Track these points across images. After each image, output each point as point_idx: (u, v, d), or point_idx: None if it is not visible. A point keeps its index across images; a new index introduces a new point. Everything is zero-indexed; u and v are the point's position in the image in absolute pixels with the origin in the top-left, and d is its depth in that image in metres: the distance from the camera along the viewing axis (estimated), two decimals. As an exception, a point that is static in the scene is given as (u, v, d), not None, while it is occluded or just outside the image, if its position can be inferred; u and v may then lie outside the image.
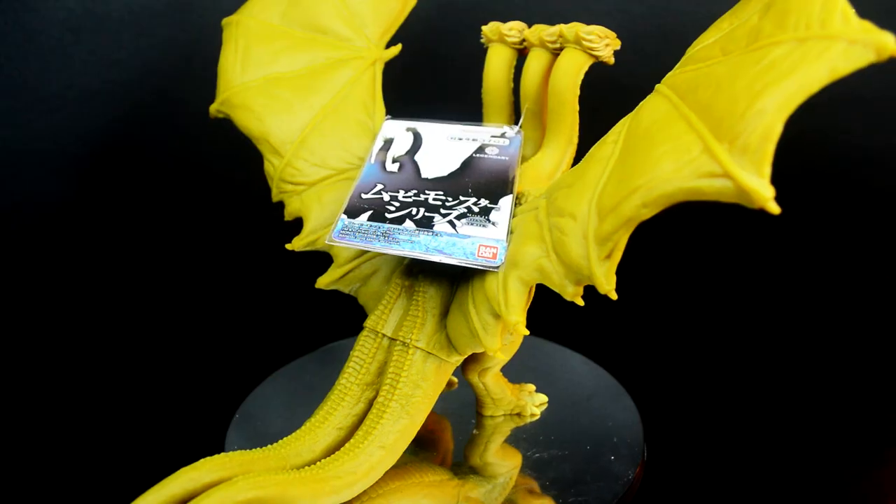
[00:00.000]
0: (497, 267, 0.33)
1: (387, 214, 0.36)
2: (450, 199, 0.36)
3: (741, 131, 0.26)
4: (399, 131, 0.41)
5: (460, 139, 0.39)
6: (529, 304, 0.36)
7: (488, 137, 0.39)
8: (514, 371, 0.44)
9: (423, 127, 0.41)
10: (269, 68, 0.42)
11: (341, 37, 0.43)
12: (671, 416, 0.44)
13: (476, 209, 0.36)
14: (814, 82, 0.24)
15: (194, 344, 0.54)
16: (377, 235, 0.36)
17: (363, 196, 0.38)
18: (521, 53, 0.40)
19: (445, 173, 0.38)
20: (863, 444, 0.42)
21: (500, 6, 0.67)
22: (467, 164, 0.38)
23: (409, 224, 0.36)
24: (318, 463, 0.34)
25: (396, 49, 0.44)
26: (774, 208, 0.26)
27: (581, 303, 0.33)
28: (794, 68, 0.25)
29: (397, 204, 0.37)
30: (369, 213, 0.37)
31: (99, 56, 0.66)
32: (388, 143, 0.40)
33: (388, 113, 0.42)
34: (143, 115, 0.68)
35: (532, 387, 0.43)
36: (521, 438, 0.41)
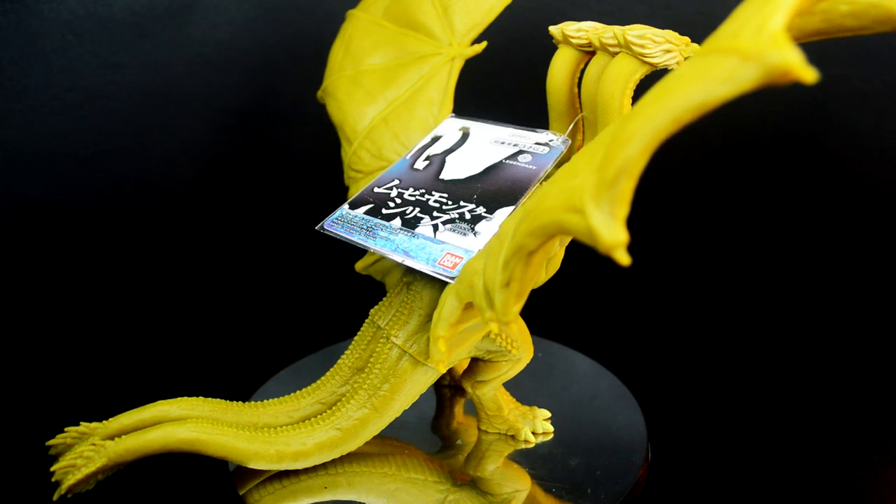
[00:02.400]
0: (453, 278, 0.32)
1: (383, 210, 0.37)
2: (450, 202, 0.36)
3: (609, 161, 0.21)
4: (451, 130, 0.40)
5: (502, 143, 0.38)
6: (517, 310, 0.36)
7: (531, 144, 0.38)
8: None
9: (476, 127, 0.40)
10: (362, 60, 0.44)
11: (430, 32, 0.43)
12: (675, 417, 0.44)
13: (468, 216, 0.35)
14: (685, 109, 0.19)
15: (200, 343, 0.54)
16: (361, 229, 0.36)
17: (375, 189, 0.38)
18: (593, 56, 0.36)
19: (463, 176, 0.37)
20: (865, 444, 0.43)
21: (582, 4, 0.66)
22: (491, 169, 0.37)
23: (395, 222, 0.36)
24: (277, 428, 0.36)
25: (479, 47, 0.43)
26: (621, 258, 0.20)
27: (495, 329, 0.32)
28: (670, 89, 0.20)
29: (399, 201, 0.37)
30: (370, 206, 0.37)
31: (101, 58, 0.66)
32: (433, 140, 0.40)
33: (464, 110, 0.42)
34: (145, 117, 0.68)
35: (544, 414, 0.41)
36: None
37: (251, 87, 0.70)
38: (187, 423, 0.35)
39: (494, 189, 0.36)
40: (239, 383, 0.46)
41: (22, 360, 0.53)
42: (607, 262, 0.47)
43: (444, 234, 0.34)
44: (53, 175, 0.66)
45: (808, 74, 0.17)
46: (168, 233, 0.67)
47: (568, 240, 0.35)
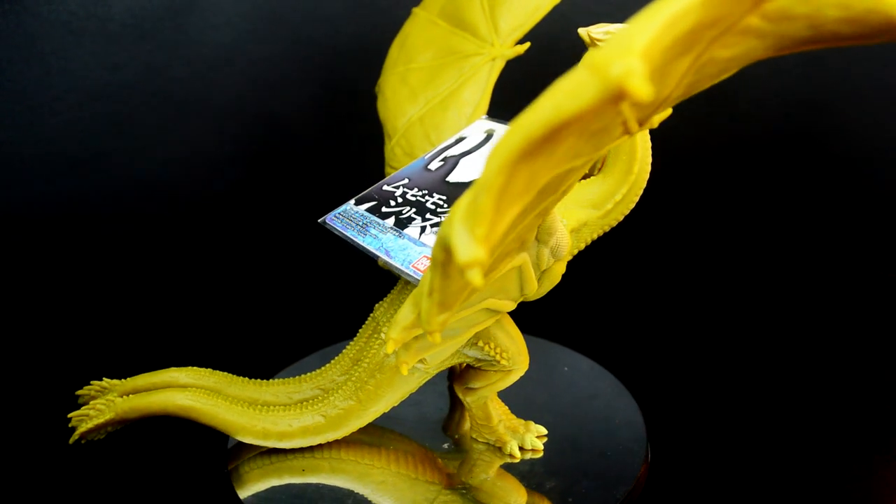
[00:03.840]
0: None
1: (383, 209, 0.37)
2: (446, 206, 0.36)
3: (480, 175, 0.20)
4: (477, 131, 0.40)
5: None
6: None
7: None
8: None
9: (502, 130, 0.39)
10: (413, 58, 0.44)
11: (476, 31, 0.43)
12: (674, 416, 0.45)
13: None
14: (538, 125, 0.18)
15: (202, 344, 0.54)
16: (357, 225, 0.36)
17: (384, 188, 0.38)
18: None
19: (468, 179, 0.37)
20: (865, 444, 0.43)
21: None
22: None
23: (389, 221, 0.36)
24: (269, 407, 0.39)
25: (521, 48, 0.42)
26: (472, 278, 0.19)
27: (432, 339, 0.31)
28: (532, 104, 0.18)
29: (400, 200, 0.37)
30: (373, 203, 0.37)
31: (100, 59, 0.66)
32: (457, 141, 0.40)
33: (503, 112, 0.41)
34: (145, 118, 0.68)
35: (539, 430, 0.41)
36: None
37: (251, 88, 0.70)
38: (187, 391, 0.38)
39: None
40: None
41: (17, 361, 0.53)
42: (608, 262, 0.47)
43: (429, 236, 0.34)
44: (53, 175, 0.66)
45: (642, 90, 0.16)
46: (168, 233, 0.67)
47: (563, 254, 0.34)
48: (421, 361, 0.36)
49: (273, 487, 0.38)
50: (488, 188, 0.18)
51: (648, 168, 0.36)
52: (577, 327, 0.51)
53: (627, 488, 0.37)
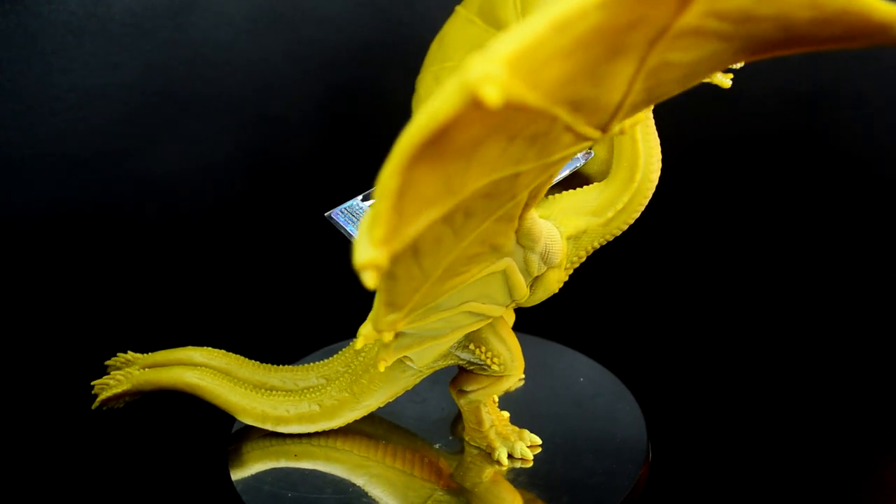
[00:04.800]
0: None
1: None
2: None
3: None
4: None
5: None
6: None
7: None
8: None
9: None
10: (449, 57, 0.43)
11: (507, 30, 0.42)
12: (675, 416, 0.45)
13: None
14: (417, 131, 0.17)
15: (203, 343, 0.54)
16: (355, 219, 0.36)
17: None
18: None
19: None
20: (865, 444, 0.43)
21: None
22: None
23: None
24: (272, 391, 0.40)
25: None
26: (366, 280, 0.19)
27: (383, 338, 0.30)
28: (422, 107, 0.18)
29: None
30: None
31: (101, 59, 0.66)
32: None
33: None
34: (146, 118, 0.68)
35: (532, 440, 0.40)
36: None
37: (251, 88, 0.70)
38: (197, 369, 0.41)
39: None
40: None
41: (17, 361, 0.53)
42: (609, 261, 0.47)
43: None
44: (53, 176, 0.66)
45: (492, 97, 0.16)
46: (169, 234, 0.67)
47: (556, 261, 0.34)
48: (409, 360, 0.36)
49: (264, 470, 0.39)
50: (382, 191, 0.18)
51: (654, 177, 0.34)
52: (579, 327, 0.51)
53: (628, 488, 0.37)
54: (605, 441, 0.40)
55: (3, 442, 0.45)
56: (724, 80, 0.33)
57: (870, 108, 0.68)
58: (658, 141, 0.34)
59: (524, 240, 0.32)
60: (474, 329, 0.35)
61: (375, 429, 0.41)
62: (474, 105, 0.16)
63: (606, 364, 0.46)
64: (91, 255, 0.64)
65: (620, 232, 0.36)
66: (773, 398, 0.46)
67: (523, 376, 0.44)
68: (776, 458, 0.41)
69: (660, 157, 0.34)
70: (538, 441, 0.40)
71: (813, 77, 0.69)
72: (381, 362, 0.33)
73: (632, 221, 0.35)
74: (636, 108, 0.23)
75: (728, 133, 0.69)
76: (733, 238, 0.64)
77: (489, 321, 0.35)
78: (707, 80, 0.29)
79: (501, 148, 0.20)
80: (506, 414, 0.41)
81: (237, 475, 0.39)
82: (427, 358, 0.36)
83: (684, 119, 0.50)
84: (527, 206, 0.29)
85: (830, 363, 0.50)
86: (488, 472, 0.39)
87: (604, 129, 0.22)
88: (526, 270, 0.33)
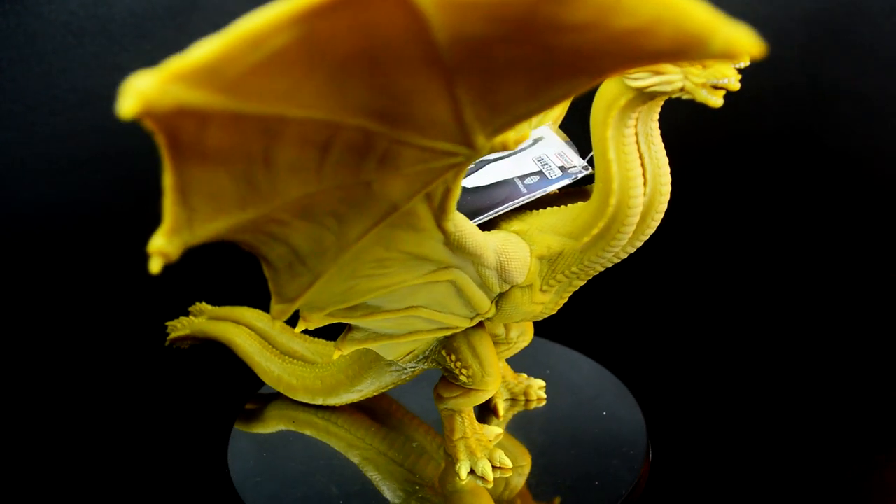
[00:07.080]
0: None
1: None
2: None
3: None
4: (531, 138, 0.37)
5: (539, 159, 0.35)
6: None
7: (555, 165, 0.34)
8: (519, 370, 0.44)
9: (549, 140, 0.36)
10: None
11: None
12: (676, 417, 0.45)
13: None
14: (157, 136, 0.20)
15: (204, 342, 0.54)
16: None
17: None
18: None
19: (469, 185, 0.35)
20: (865, 444, 0.43)
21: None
22: (498, 184, 0.34)
23: None
24: (293, 360, 0.43)
25: None
26: (150, 266, 0.21)
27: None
28: None
29: None
30: None
31: (101, 59, 0.66)
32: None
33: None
34: (146, 118, 0.68)
35: (501, 461, 0.38)
36: (524, 439, 0.41)
37: (251, 88, 0.70)
38: (238, 328, 0.44)
39: (473, 207, 0.33)
40: (241, 381, 0.46)
41: (17, 362, 0.53)
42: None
43: None
44: (53, 176, 0.66)
45: (125, 107, 0.17)
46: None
47: (516, 279, 0.32)
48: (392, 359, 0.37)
49: (262, 433, 0.42)
50: (164, 187, 0.20)
51: (634, 204, 0.29)
52: (579, 327, 0.51)
53: (628, 488, 0.37)
54: (605, 441, 0.40)
55: (4, 442, 0.46)
56: (712, 99, 0.26)
57: (870, 107, 0.68)
58: (656, 159, 0.29)
59: (459, 253, 0.29)
60: (439, 336, 0.34)
61: (381, 415, 0.42)
62: (145, 112, 0.18)
63: (606, 364, 0.46)
64: (91, 256, 0.64)
65: (603, 267, 0.32)
66: (773, 398, 0.46)
67: (504, 401, 0.43)
68: (776, 457, 0.41)
69: (661, 180, 0.29)
70: (508, 465, 0.38)
71: (813, 77, 0.69)
72: (336, 351, 0.34)
73: (614, 254, 0.32)
74: (507, 122, 0.20)
75: (728, 133, 0.69)
76: (733, 238, 0.64)
77: (455, 330, 0.34)
78: (688, 96, 0.26)
79: (313, 157, 0.20)
80: (494, 429, 0.40)
81: (240, 427, 0.42)
82: (391, 354, 0.36)
83: (683, 119, 0.50)
84: (437, 217, 0.26)
85: (830, 363, 0.50)
86: (457, 480, 0.38)
87: (468, 144, 0.21)
88: (484, 285, 0.31)
